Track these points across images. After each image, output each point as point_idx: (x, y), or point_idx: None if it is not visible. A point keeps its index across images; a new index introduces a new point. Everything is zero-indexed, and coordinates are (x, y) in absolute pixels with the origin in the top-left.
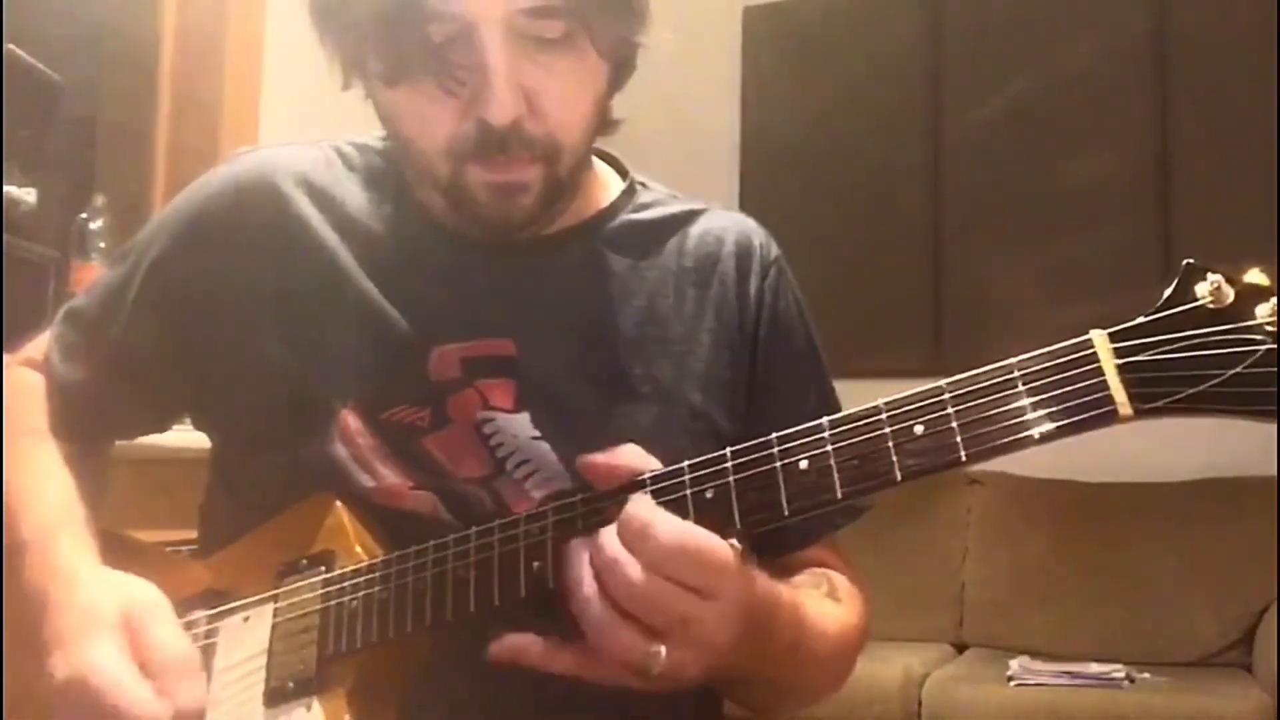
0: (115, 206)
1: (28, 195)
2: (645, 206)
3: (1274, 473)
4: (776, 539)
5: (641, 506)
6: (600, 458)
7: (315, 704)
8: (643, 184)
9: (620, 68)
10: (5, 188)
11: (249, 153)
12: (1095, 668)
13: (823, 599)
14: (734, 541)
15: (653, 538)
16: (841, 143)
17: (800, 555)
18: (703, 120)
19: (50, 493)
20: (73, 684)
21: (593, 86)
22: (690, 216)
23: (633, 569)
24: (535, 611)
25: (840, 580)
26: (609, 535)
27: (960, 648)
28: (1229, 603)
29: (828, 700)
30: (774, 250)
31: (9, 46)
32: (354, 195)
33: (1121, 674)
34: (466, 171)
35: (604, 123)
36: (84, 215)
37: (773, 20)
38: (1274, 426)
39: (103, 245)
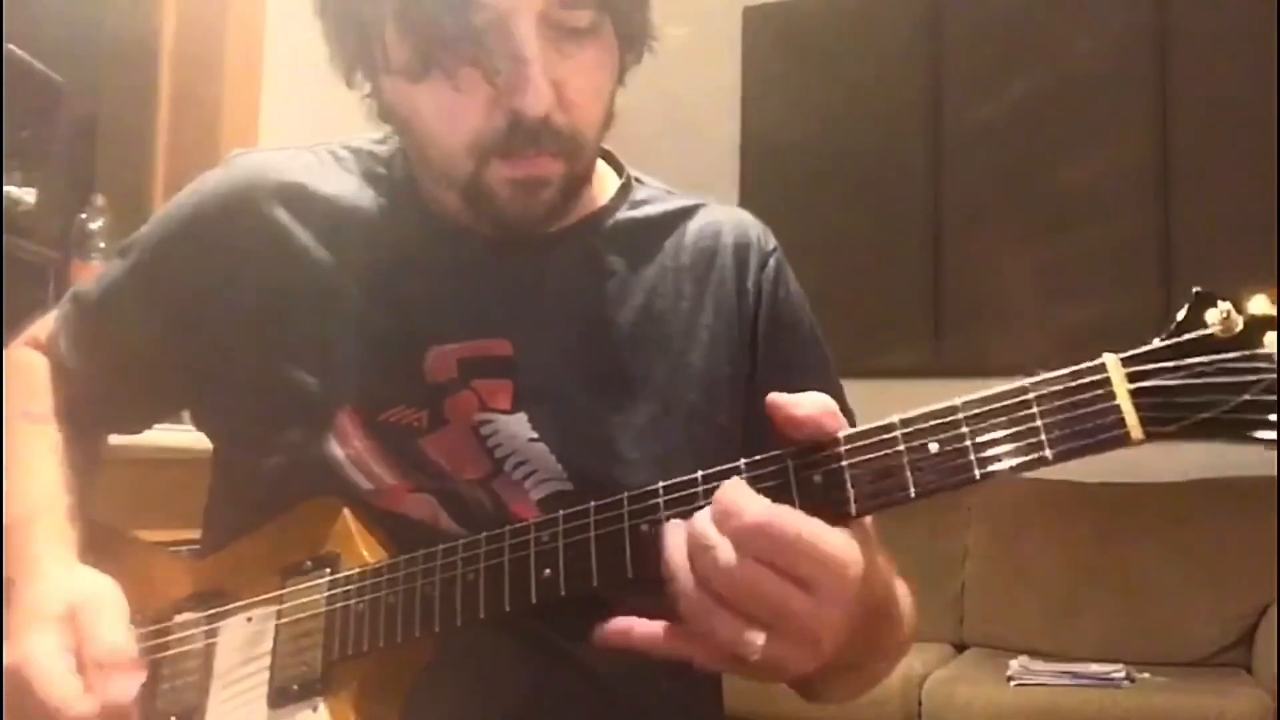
0: (115, 206)
1: (28, 195)
2: (642, 203)
3: (1274, 473)
4: None
5: (732, 488)
6: (789, 404)
7: (321, 706)
8: (638, 180)
9: (630, 58)
10: (5, 188)
11: (243, 155)
12: (1095, 668)
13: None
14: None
15: (739, 518)
16: (841, 143)
17: None
18: (703, 120)
19: (37, 479)
20: (11, 673)
21: (610, 77)
22: (687, 212)
23: (722, 551)
24: (637, 591)
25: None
26: (703, 517)
27: (960, 648)
28: (1229, 603)
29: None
30: (771, 242)
31: (9, 46)
32: (348, 197)
33: (1121, 674)
34: (489, 167)
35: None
36: (84, 215)
37: (773, 20)
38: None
39: (103, 245)
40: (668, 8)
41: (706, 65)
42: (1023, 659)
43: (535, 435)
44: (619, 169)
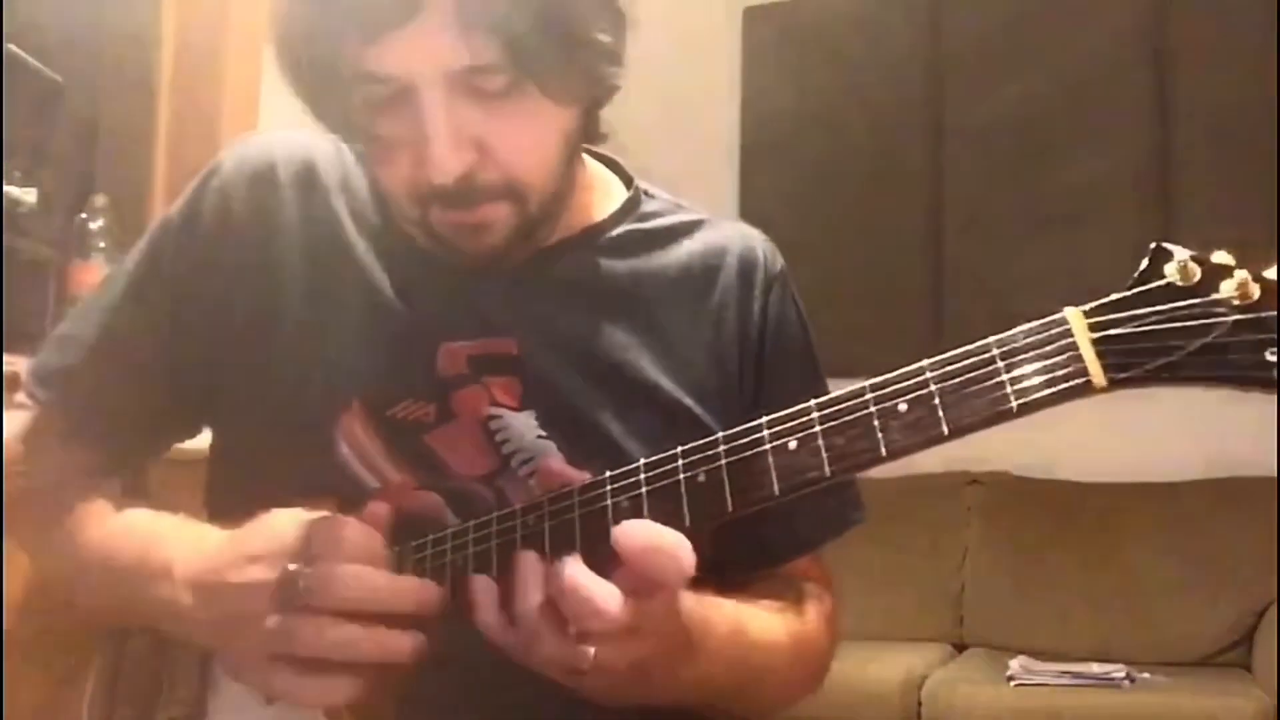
0: (115, 206)
1: (28, 195)
2: (649, 216)
3: (1274, 473)
4: (765, 552)
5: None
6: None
7: None
8: (647, 193)
9: (591, 103)
10: (5, 188)
11: (257, 138)
12: (1095, 668)
13: (770, 613)
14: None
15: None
16: (841, 143)
17: (784, 567)
18: (703, 120)
19: (129, 533)
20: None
21: (554, 128)
22: (693, 227)
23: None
24: None
25: (810, 588)
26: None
27: (960, 648)
28: (1229, 603)
29: (827, 700)
30: (779, 263)
31: (9, 46)
32: (362, 189)
33: (1121, 674)
34: (431, 213)
35: (588, 139)
36: (84, 215)
37: (773, 20)
38: (1271, 423)
39: (103, 245)
40: (668, 8)
41: (706, 65)
42: (1023, 659)
43: (543, 433)
44: (628, 181)
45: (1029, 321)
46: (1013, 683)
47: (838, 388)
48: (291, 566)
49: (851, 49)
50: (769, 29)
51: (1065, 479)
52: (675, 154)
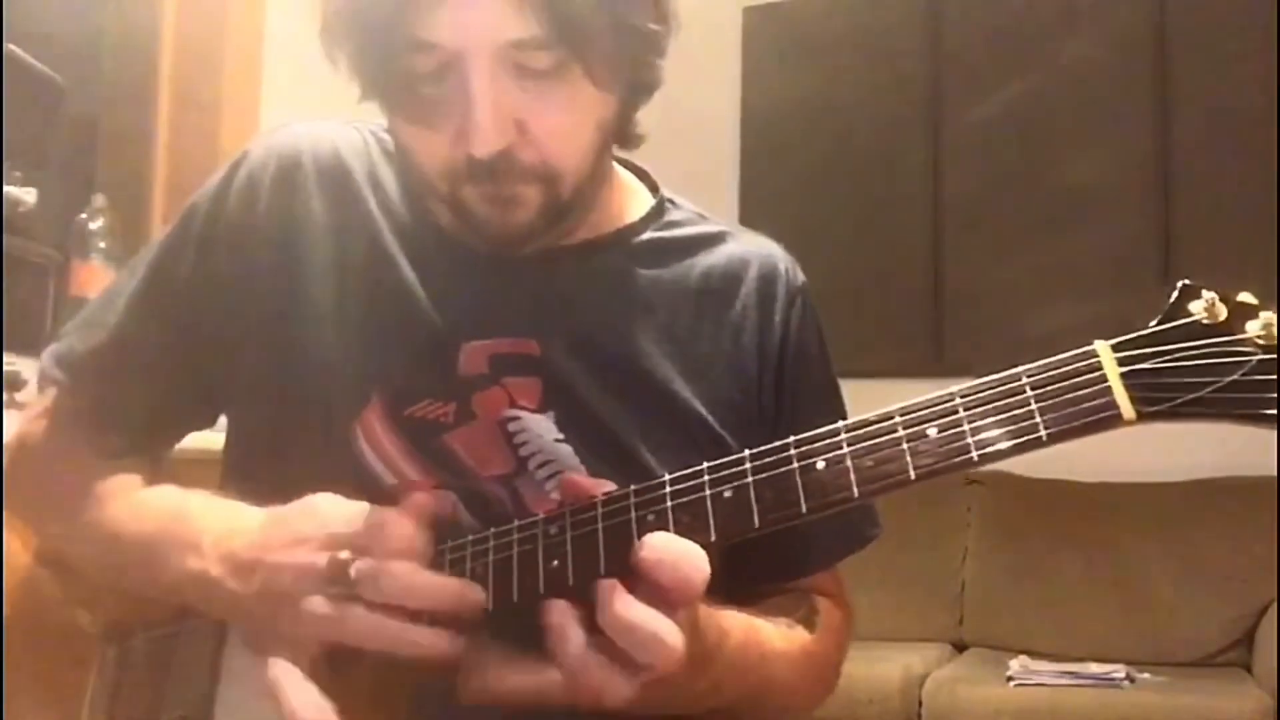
0: (115, 206)
1: (28, 195)
2: (672, 225)
3: (1274, 473)
4: (782, 567)
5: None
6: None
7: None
8: (672, 202)
9: (632, 92)
10: (5, 188)
11: (286, 129)
12: (1095, 668)
13: (779, 625)
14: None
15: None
16: (841, 143)
17: (800, 581)
18: (703, 120)
19: (144, 512)
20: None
21: (593, 114)
22: (716, 238)
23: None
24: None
25: (822, 603)
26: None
27: (960, 648)
28: (1229, 603)
29: (828, 700)
30: (800, 278)
31: (9, 46)
32: (389, 182)
33: (1121, 674)
34: (464, 189)
35: (621, 139)
36: (84, 215)
37: (773, 20)
38: (1270, 430)
39: (103, 245)
40: None
41: (706, 65)
42: (1023, 659)
43: (561, 436)
44: (654, 189)
45: (1028, 321)
46: (1013, 683)
47: (839, 388)
48: (344, 554)
49: (851, 49)
50: (769, 29)
51: (1065, 479)
52: (675, 154)
